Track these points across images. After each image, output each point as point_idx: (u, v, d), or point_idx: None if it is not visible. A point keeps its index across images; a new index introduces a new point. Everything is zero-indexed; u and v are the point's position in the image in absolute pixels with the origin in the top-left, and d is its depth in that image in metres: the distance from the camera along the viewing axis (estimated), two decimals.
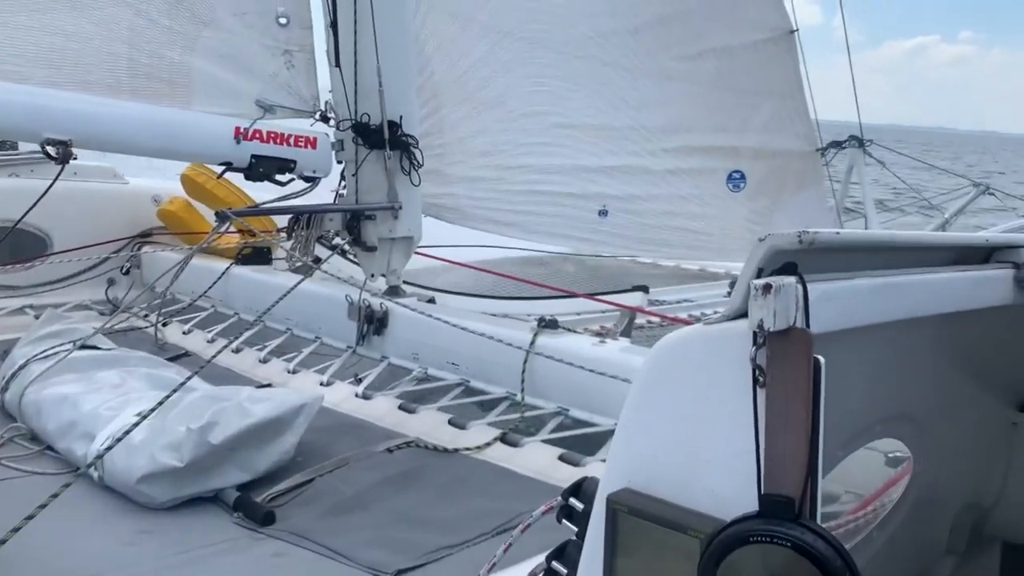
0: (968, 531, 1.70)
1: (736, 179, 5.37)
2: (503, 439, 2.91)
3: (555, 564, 1.13)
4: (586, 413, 3.01)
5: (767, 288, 0.83)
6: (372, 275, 3.92)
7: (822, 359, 0.85)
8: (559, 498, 1.13)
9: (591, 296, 4.26)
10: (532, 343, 3.18)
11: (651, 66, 5.35)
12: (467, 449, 2.87)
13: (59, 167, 3.23)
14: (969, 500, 1.69)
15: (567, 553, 1.12)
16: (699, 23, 5.48)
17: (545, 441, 2.89)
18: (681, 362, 0.95)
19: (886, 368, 1.28)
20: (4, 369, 3.40)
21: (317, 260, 4.27)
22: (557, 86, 5.13)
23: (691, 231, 5.35)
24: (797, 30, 5.81)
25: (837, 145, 6.03)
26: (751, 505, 0.87)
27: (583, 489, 1.11)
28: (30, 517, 1.84)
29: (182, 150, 3.57)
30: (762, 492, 0.85)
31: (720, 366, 0.91)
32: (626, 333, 3.59)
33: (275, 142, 3.55)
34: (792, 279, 0.84)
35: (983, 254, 1.27)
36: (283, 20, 3.69)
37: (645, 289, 4.41)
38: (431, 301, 3.96)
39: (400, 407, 3.27)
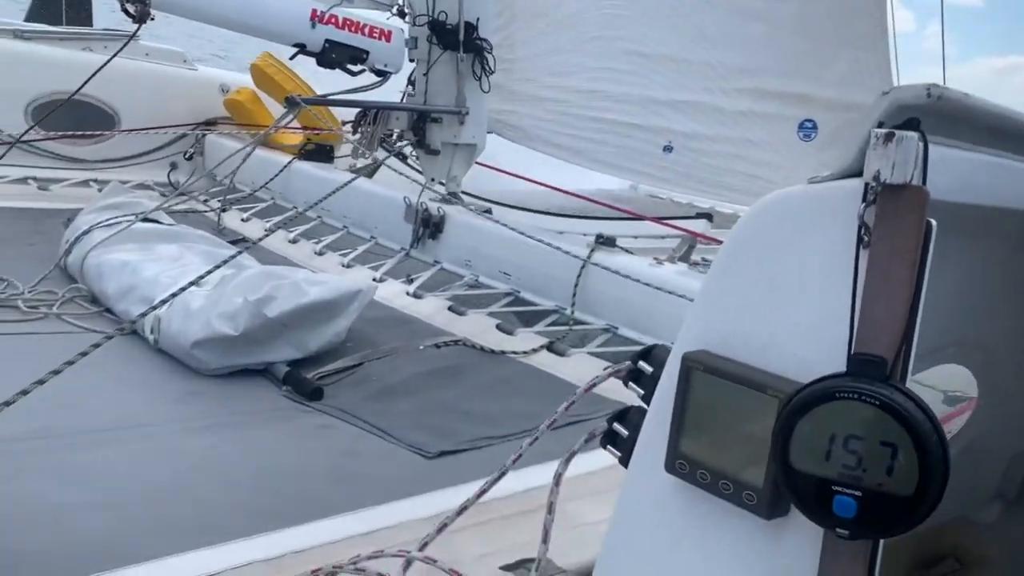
0: (1021, 478, 1.66)
1: (807, 128, 5.21)
2: (550, 348, 2.92)
3: (616, 425, 1.12)
4: (635, 332, 2.99)
5: (889, 137, 0.78)
6: (432, 179, 3.91)
7: (934, 222, 0.81)
8: (627, 362, 1.11)
9: (657, 219, 4.20)
10: (588, 258, 3.15)
11: (733, 2, 5.17)
12: (513, 352, 2.88)
13: (136, 28, 3.22)
14: None
15: (629, 417, 1.11)
16: None
17: (591, 354, 2.88)
18: (779, 221, 0.92)
19: (969, 287, 1.24)
20: (68, 234, 3.47)
21: (379, 164, 4.28)
22: (634, 12, 4.99)
23: (755, 177, 5.21)
24: None
25: None
26: (835, 372, 0.85)
27: (653, 354, 1.09)
28: (70, 363, 1.88)
29: (257, 25, 3.56)
30: (853, 352, 0.83)
31: (822, 226, 0.87)
32: (684, 258, 3.54)
33: (350, 30, 3.52)
34: (915, 134, 0.80)
35: None
36: None
37: (710, 217, 4.34)
38: (488, 212, 3.94)
39: (450, 308, 3.29)
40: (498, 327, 3.12)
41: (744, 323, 0.95)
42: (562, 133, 4.89)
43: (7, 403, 1.69)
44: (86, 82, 3.65)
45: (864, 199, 0.82)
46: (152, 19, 3.24)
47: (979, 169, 0.93)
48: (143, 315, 2.42)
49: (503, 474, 1.22)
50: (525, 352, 2.90)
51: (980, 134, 0.94)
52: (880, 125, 0.84)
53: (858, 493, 0.80)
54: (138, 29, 3.32)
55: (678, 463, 0.96)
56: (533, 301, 3.36)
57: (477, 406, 2.47)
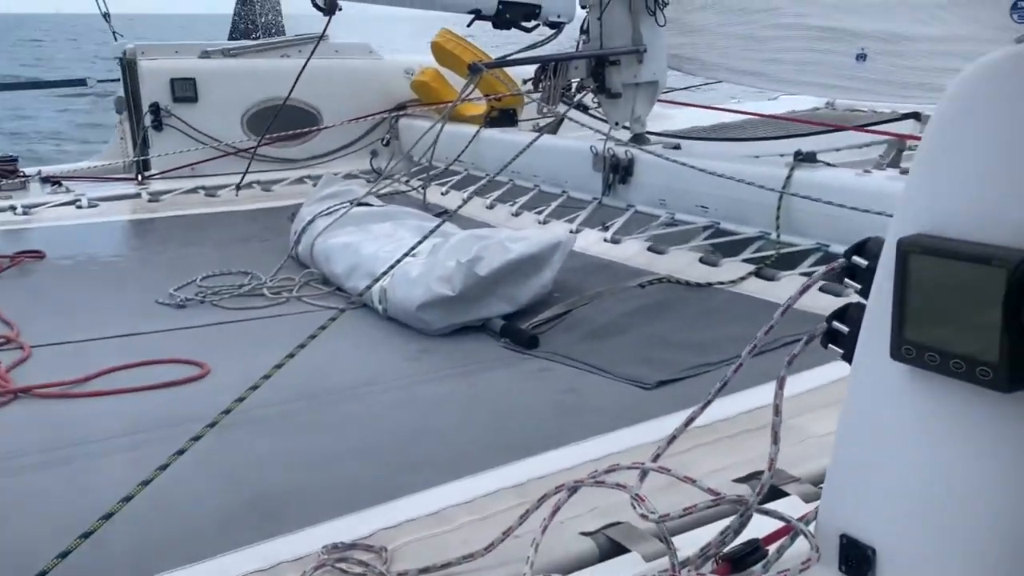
0: None
1: (1022, 8, 4.68)
2: (758, 274, 2.87)
3: (835, 324, 1.12)
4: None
5: None
6: (617, 123, 3.92)
7: None
8: (841, 259, 1.11)
9: (858, 128, 3.96)
10: (788, 179, 3.05)
11: None
12: (720, 283, 2.86)
13: (327, 21, 3.45)
14: None
15: (849, 313, 1.11)
16: None
17: (803, 274, 2.81)
18: (987, 90, 0.88)
19: None
20: (295, 226, 3.83)
21: (560, 121, 4.34)
22: None
23: None
24: None
25: None
26: None
27: (867, 248, 1.08)
28: (322, 327, 2.11)
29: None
30: None
31: None
32: (895, 163, 3.33)
33: None
34: None
35: None
36: None
37: (918, 116, 4.02)
38: (676, 147, 3.90)
39: (649, 248, 3.31)
40: (701, 260, 3.11)
41: (959, 198, 0.92)
42: (744, 58, 4.70)
43: (266, 376, 1.95)
44: (292, 88, 3.98)
45: None
46: (340, 10, 3.45)
47: None
48: (367, 288, 2.65)
49: (709, 402, 1.26)
50: (732, 281, 2.88)
51: None
52: None
53: None
54: (328, 23, 3.56)
55: (904, 348, 0.95)
56: (735, 231, 3.30)
57: (690, 337, 2.50)
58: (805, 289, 1.14)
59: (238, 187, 4.93)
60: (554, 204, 4.08)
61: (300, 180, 5.29)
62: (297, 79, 4.02)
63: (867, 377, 1.04)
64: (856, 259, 1.08)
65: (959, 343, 0.90)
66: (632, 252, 3.35)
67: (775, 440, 1.14)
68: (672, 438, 1.28)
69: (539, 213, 4.03)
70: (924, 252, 0.92)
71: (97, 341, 2.70)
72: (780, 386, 1.15)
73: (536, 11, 3.62)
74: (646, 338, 2.53)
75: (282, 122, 5.21)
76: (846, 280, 1.09)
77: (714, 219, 3.40)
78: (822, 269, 1.12)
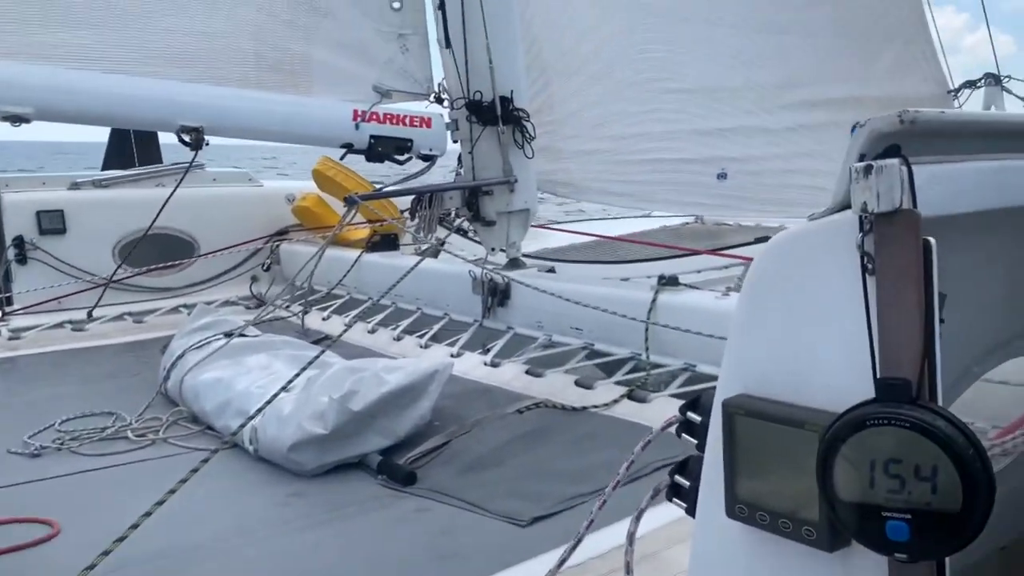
0: None
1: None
2: (630, 396, 2.93)
3: (677, 478, 1.14)
4: (714, 367, 2.98)
5: (868, 169, 0.82)
6: (493, 249, 4.02)
7: (932, 240, 0.83)
8: (677, 414, 1.15)
9: (713, 251, 4.20)
10: (653, 302, 3.17)
11: (760, 20, 5.18)
12: (595, 407, 2.91)
13: (193, 155, 3.46)
14: None
15: (689, 467, 1.14)
16: None
17: (673, 395, 2.89)
18: (789, 261, 0.95)
19: (1020, 279, 1.23)
20: (164, 360, 3.69)
21: (441, 243, 4.41)
22: (665, 51, 5.06)
23: (817, 188, 5.15)
24: None
25: (971, 85, 5.59)
26: (869, 396, 0.87)
27: (700, 402, 1.12)
28: (183, 481, 2.02)
29: (305, 134, 3.78)
30: (878, 378, 0.85)
31: (829, 259, 0.90)
32: None
33: (391, 123, 3.70)
34: (895, 160, 0.83)
35: None
36: (396, 4, 3.83)
37: (767, 240, 4.28)
38: (551, 271, 4.01)
39: (527, 372, 3.34)
40: (577, 383, 3.16)
41: (775, 361, 0.98)
42: (614, 180, 4.96)
43: (120, 539, 1.82)
44: (156, 218, 3.94)
45: (861, 229, 0.85)
46: (207, 144, 3.46)
47: (977, 176, 0.95)
48: (240, 428, 2.56)
49: (579, 541, 1.26)
50: (606, 404, 2.93)
51: (968, 144, 0.96)
52: (862, 157, 0.87)
53: (908, 516, 0.81)
54: (195, 156, 3.56)
55: (737, 507, 0.98)
56: (608, 351, 3.39)
57: (565, 465, 2.50)
58: (646, 444, 1.17)
59: (89, 313, 4.74)
60: (436, 327, 4.10)
61: (175, 310, 5.14)
62: (162, 207, 3.97)
63: (708, 533, 1.06)
64: (690, 415, 1.12)
65: (785, 503, 0.93)
66: (511, 375, 3.38)
67: None
68: None
69: (421, 336, 4.03)
70: (747, 414, 0.97)
71: None
72: (630, 543, 1.16)
73: (408, 144, 3.74)
74: (523, 468, 2.53)
75: (158, 251, 5.10)
76: (684, 435, 1.13)
77: (588, 340, 3.48)
78: (659, 427, 1.15)
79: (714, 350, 2.97)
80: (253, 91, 3.62)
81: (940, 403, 0.84)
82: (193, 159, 3.68)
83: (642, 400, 2.91)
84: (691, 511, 1.11)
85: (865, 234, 0.85)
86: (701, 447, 1.09)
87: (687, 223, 6.62)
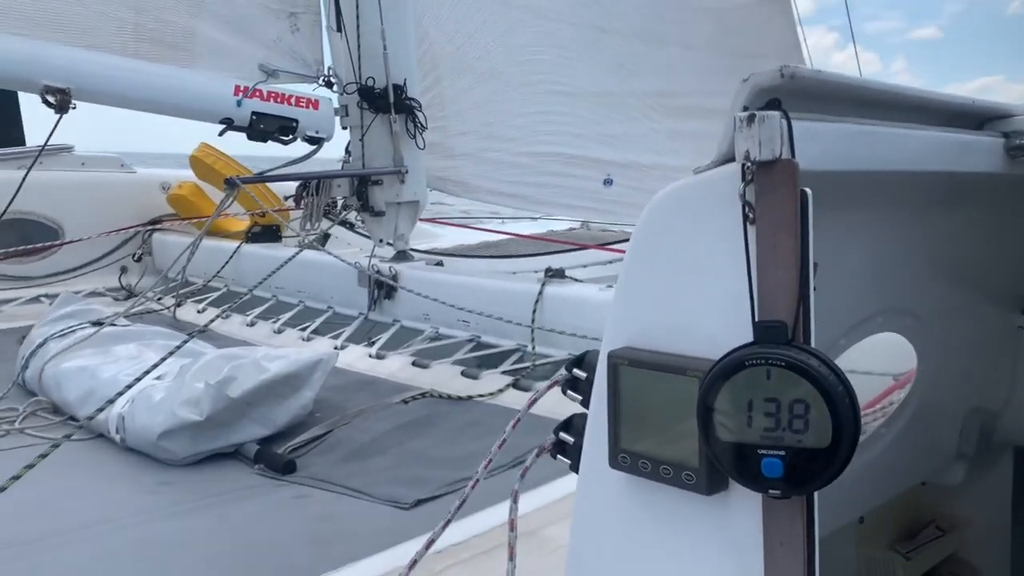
0: (977, 436, 1.71)
1: None
2: (515, 385, 2.95)
3: (562, 435, 1.15)
4: None
5: (751, 119, 0.85)
6: (381, 240, 3.96)
7: (809, 191, 0.87)
8: (563, 371, 1.16)
9: (601, 246, 4.28)
10: (540, 294, 3.20)
11: (646, 30, 5.34)
12: (480, 396, 2.90)
13: (58, 118, 3.23)
14: (976, 404, 1.71)
15: (573, 424, 1.15)
16: None
17: (563, 369, 2.91)
18: (674, 214, 0.98)
19: (885, 257, 1.30)
20: (23, 350, 3.45)
21: (326, 236, 4.31)
22: (553, 55, 5.14)
23: None
24: None
25: None
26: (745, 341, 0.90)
27: (586, 360, 1.13)
28: (30, 466, 1.89)
29: (181, 105, 3.59)
30: (756, 321, 0.88)
31: (712, 210, 0.93)
32: None
33: (276, 101, 3.58)
34: (776, 112, 0.86)
35: (975, 122, 1.28)
36: None
37: None
38: (439, 264, 3.99)
39: (413, 363, 3.31)
40: (462, 374, 3.15)
41: (658, 313, 1.00)
42: (503, 180, 4.99)
43: None
44: (11, 200, 3.67)
45: (743, 179, 0.88)
46: (74, 107, 3.23)
47: (849, 137, 0.99)
48: (96, 413, 2.42)
49: (449, 521, 1.25)
50: (491, 393, 2.93)
51: (844, 106, 1.01)
52: (745, 110, 0.90)
53: (781, 452, 0.84)
54: (59, 120, 3.31)
55: (620, 457, 0.99)
56: (494, 344, 3.40)
57: (449, 451, 2.48)
58: (532, 403, 1.17)
59: None
60: (319, 320, 4.00)
61: (36, 299, 4.81)
62: (19, 188, 3.71)
63: (591, 486, 1.07)
64: (576, 372, 1.13)
65: (666, 450, 0.95)
66: (396, 367, 3.34)
67: (511, 556, 1.14)
68: (413, 563, 1.24)
69: (303, 330, 3.93)
70: (631, 364, 0.98)
71: None
72: (514, 500, 1.16)
73: (293, 125, 3.62)
74: (407, 456, 2.49)
75: (18, 237, 4.76)
76: (569, 392, 1.14)
77: (475, 332, 3.48)
78: (546, 384, 1.16)
79: (597, 341, 3.03)
80: (130, 60, 3.42)
81: (813, 345, 0.88)
82: (54, 128, 3.43)
83: (527, 389, 2.93)
84: (575, 467, 1.12)
85: (747, 184, 0.88)
86: (586, 403, 1.10)
87: (572, 228, 6.73)
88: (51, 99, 3.15)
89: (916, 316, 1.44)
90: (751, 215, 0.89)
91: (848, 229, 1.19)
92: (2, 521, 1.79)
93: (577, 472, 1.11)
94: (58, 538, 2.01)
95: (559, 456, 1.15)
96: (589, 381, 1.10)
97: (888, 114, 1.09)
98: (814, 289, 0.93)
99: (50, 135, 3.62)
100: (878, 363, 1.56)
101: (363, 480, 2.31)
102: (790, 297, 0.87)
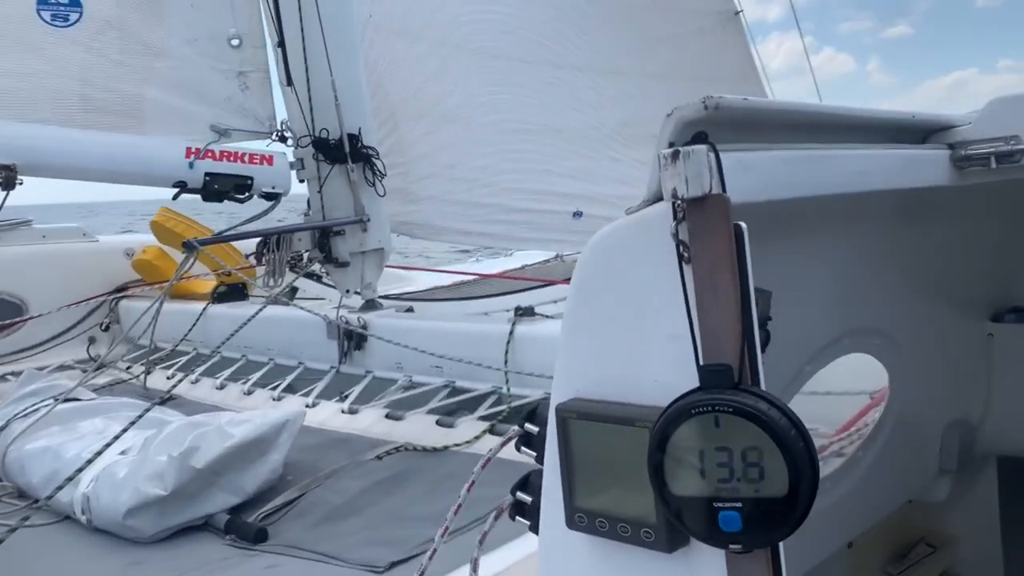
0: (958, 449, 1.67)
1: None
2: (491, 431, 2.89)
3: (519, 494, 1.10)
4: None
5: (675, 155, 0.81)
6: (348, 291, 3.91)
7: (743, 224, 0.83)
8: (515, 427, 1.11)
9: (567, 280, 4.24)
10: (511, 334, 3.16)
11: (602, 64, 5.38)
12: (456, 445, 2.84)
13: (4, 194, 3.17)
14: (954, 417, 1.67)
15: (530, 482, 1.10)
16: (645, 16, 5.52)
17: (515, 425, 2.86)
18: (609, 257, 0.94)
19: (846, 278, 1.27)
20: None
21: (293, 290, 4.25)
22: (513, 93, 5.15)
23: None
24: (742, 11, 5.88)
25: None
26: (695, 386, 0.86)
27: (537, 413, 1.08)
28: None
29: (132, 172, 3.55)
30: (700, 365, 0.83)
31: (647, 251, 0.89)
32: None
33: (229, 159, 3.55)
34: (703, 146, 0.83)
35: (919, 136, 1.26)
36: (235, 41, 3.70)
37: None
38: (409, 310, 3.94)
39: (387, 416, 3.25)
40: (438, 423, 3.09)
41: (604, 361, 0.95)
42: (471, 220, 4.96)
43: None
44: None
45: (674, 218, 0.84)
46: (21, 183, 3.17)
47: (786, 164, 0.96)
48: (56, 491, 2.34)
49: (423, 573, 1.19)
50: (467, 441, 2.87)
51: (779, 132, 0.98)
52: (671, 145, 0.87)
53: (738, 504, 0.80)
54: (6, 197, 3.25)
55: (577, 516, 0.94)
56: (469, 388, 3.34)
57: (425, 508, 2.42)
58: (485, 463, 1.12)
59: None
60: (289, 377, 3.92)
61: (2, 378, 4.70)
62: None
63: (552, 548, 1.02)
64: (528, 426, 1.08)
65: (621, 506, 0.90)
66: (370, 421, 3.27)
67: None
68: None
69: (274, 389, 3.85)
70: (579, 416, 0.94)
71: None
72: (474, 568, 1.10)
73: (248, 183, 3.58)
74: (382, 515, 2.42)
75: None
76: (523, 448, 1.09)
77: (449, 378, 3.42)
78: (499, 443, 1.11)
79: None
80: (78, 130, 3.37)
81: (762, 387, 0.83)
82: (4, 199, 3.36)
83: (503, 434, 2.85)
84: (534, 528, 1.07)
85: (679, 222, 0.84)
86: (540, 458, 1.05)
87: (547, 261, 6.71)
88: None
89: (884, 334, 1.41)
90: (686, 254, 0.85)
91: (804, 254, 1.16)
92: None
93: (537, 533, 1.06)
94: None
95: (519, 517, 1.10)
96: (542, 436, 1.05)
97: (827, 136, 1.06)
98: (769, 320, 0.89)
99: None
100: (849, 383, 1.52)
101: (336, 544, 2.24)
102: (733, 337, 0.83)
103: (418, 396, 3.43)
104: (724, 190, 0.83)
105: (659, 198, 0.88)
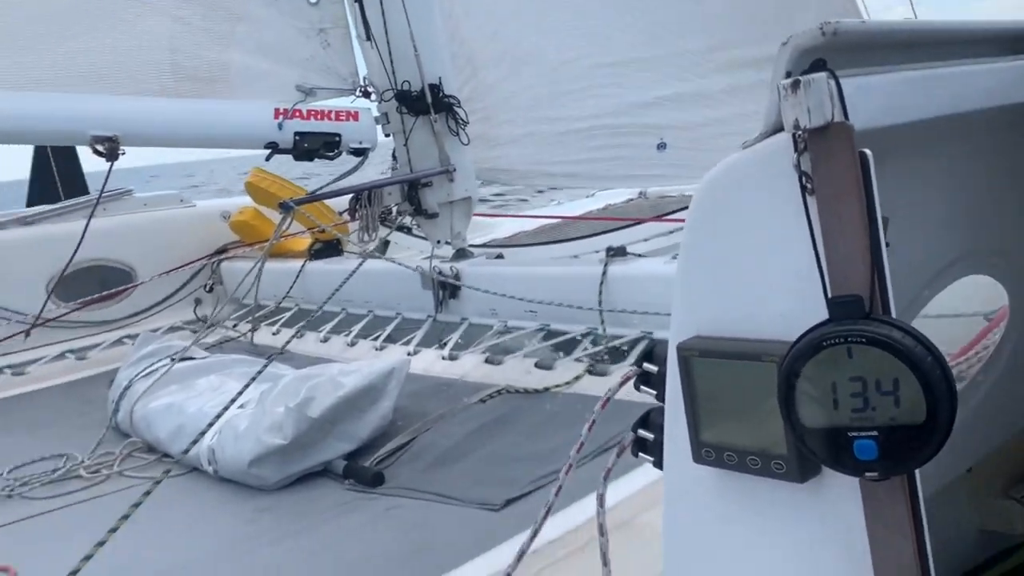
0: None
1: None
2: (591, 371, 2.92)
3: (641, 432, 1.12)
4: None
5: (795, 85, 0.80)
6: (438, 242, 3.97)
7: (868, 152, 0.81)
8: (632, 367, 1.12)
9: (658, 218, 4.19)
10: (604, 274, 3.16)
11: None
12: (556, 387, 2.88)
13: (109, 165, 3.31)
14: None
15: (650, 419, 1.11)
16: None
17: (633, 364, 2.87)
18: (728, 192, 0.93)
19: (964, 198, 1.22)
20: (112, 393, 3.57)
21: (386, 244, 4.33)
22: (591, 26, 5.03)
23: None
24: None
25: None
26: (823, 319, 0.85)
27: (655, 352, 1.09)
28: (136, 505, 1.94)
29: (225, 136, 3.65)
30: (829, 297, 0.83)
31: (767, 184, 0.88)
32: None
33: (316, 118, 3.60)
34: (822, 74, 0.81)
35: None
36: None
37: None
38: (499, 257, 3.97)
39: (486, 361, 3.31)
40: (536, 365, 3.13)
41: (724, 298, 0.95)
42: (554, 162, 4.93)
43: (87, 557, 1.74)
44: (77, 249, 3.79)
45: (796, 149, 0.83)
46: (123, 153, 3.30)
47: (906, 86, 0.93)
48: (191, 446, 2.47)
49: (548, 510, 1.23)
50: (567, 383, 2.90)
51: (896, 53, 0.94)
52: (788, 75, 0.85)
53: (874, 433, 0.80)
54: (111, 168, 3.39)
55: (703, 451, 0.96)
56: (564, 330, 3.36)
57: (532, 448, 2.47)
58: (605, 402, 1.14)
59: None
60: (389, 328, 4.03)
61: (119, 342, 4.97)
62: (83, 235, 3.83)
63: (677, 482, 1.04)
64: (646, 365, 1.09)
65: (750, 439, 0.91)
66: (470, 367, 3.34)
67: (604, 562, 1.12)
68: (520, 555, 1.23)
69: (375, 339, 3.96)
70: (702, 355, 0.94)
71: None
72: (600, 504, 1.13)
73: (336, 139, 3.64)
74: (491, 456, 2.49)
75: (95, 284, 4.92)
76: (642, 387, 1.10)
77: (544, 321, 3.45)
78: (617, 383, 1.13)
79: (669, 315, 2.96)
80: (170, 100, 3.48)
81: (893, 316, 0.82)
82: (107, 176, 3.51)
83: (602, 374, 2.89)
84: (658, 463, 1.09)
85: (800, 153, 0.83)
86: (660, 397, 1.07)
87: (631, 199, 6.63)
88: (100, 148, 3.23)
89: (1003, 253, 1.36)
90: (809, 185, 0.84)
91: (921, 178, 1.12)
92: (117, 561, 1.85)
93: (661, 468, 1.08)
94: (177, 572, 2.08)
95: (641, 454, 1.12)
96: (661, 375, 1.06)
97: (946, 52, 1.01)
98: (887, 247, 0.87)
99: (105, 183, 3.71)
100: (966, 305, 1.48)
101: (451, 485, 2.32)
102: (862, 267, 0.82)
103: (514, 340, 3.48)
104: (846, 117, 0.82)
105: (777, 130, 0.87)
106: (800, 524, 0.91)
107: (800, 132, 0.81)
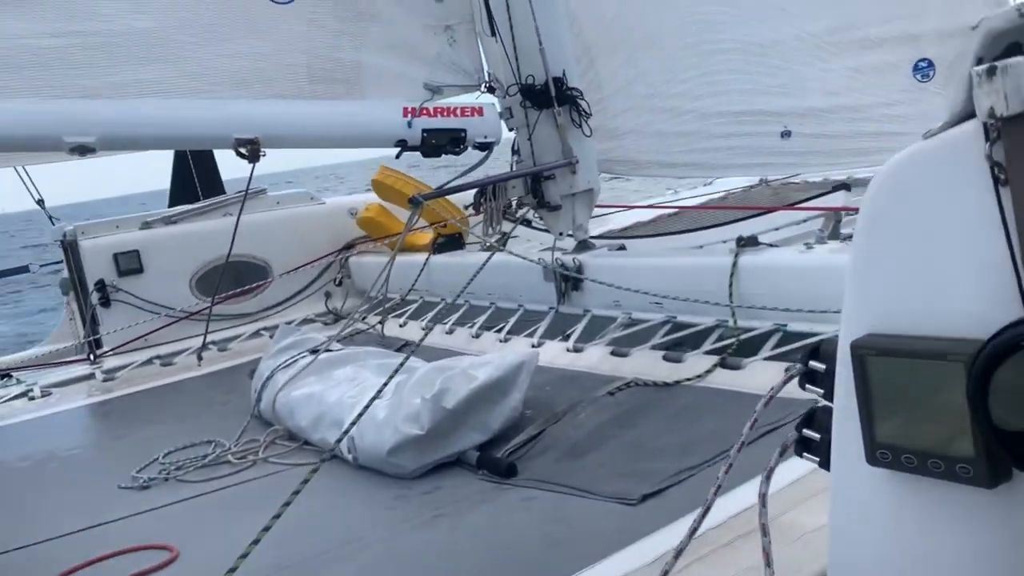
0: None
1: (923, 68, 4.91)
2: (723, 364, 2.86)
3: (806, 431, 1.09)
4: (805, 324, 2.88)
5: (991, 71, 0.76)
6: (561, 234, 3.98)
7: None
8: (797, 365, 1.10)
9: (789, 206, 4.07)
10: (735, 265, 3.09)
11: None
12: (687, 380, 2.85)
13: (251, 166, 3.47)
14: None
15: (816, 419, 1.09)
16: None
17: (767, 359, 2.80)
18: (909, 183, 0.90)
19: None
20: (254, 383, 3.76)
21: (507, 236, 4.38)
22: (708, 11, 4.92)
23: (884, 134, 4.94)
24: None
25: None
26: (1013, 318, 0.81)
27: (822, 350, 1.07)
28: (296, 492, 2.04)
29: (357, 136, 3.76)
30: None
31: (953, 175, 0.84)
32: (834, 235, 3.40)
33: (443, 115, 3.67)
34: (1021, 58, 0.77)
35: None
36: None
37: (847, 187, 4.14)
38: (621, 248, 3.95)
39: (612, 353, 3.30)
40: (665, 358, 3.10)
41: (902, 294, 0.92)
42: (673, 151, 4.84)
43: (244, 556, 1.85)
44: (231, 245, 4.00)
45: (987, 138, 0.79)
46: (264, 155, 3.45)
47: None
48: (339, 440, 2.58)
49: (709, 508, 1.22)
50: (699, 376, 2.86)
51: None
52: (980, 61, 0.81)
53: None
54: (254, 168, 3.55)
55: (879, 453, 0.93)
56: (692, 323, 3.31)
57: (666, 441, 2.45)
58: (770, 399, 1.12)
59: (200, 355, 4.82)
60: (512, 320, 4.08)
61: (256, 334, 5.24)
62: (234, 236, 4.05)
63: (848, 484, 1.01)
64: (813, 364, 1.07)
65: (932, 441, 0.88)
66: (596, 359, 3.34)
67: (768, 562, 1.10)
68: (678, 553, 1.23)
69: (499, 331, 4.02)
70: (879, 353, 0.91)
71: (55, 541, 2.57)
72: (763, 503, 1.11)
73: (462, 135, 3.70)
74: (624, 448, 2.49)
75: (233, 279, 5.21)
76: (808, 386, 1.08)
77: (670, 314, 3.41)
78: (783, 378, 1.11)
79: (804, 306, 2.88)
80: (305, 102, 3.63)
81: None
82: (250, 177, 3.70)
83: (736, 367, 2.83)
84: (824, 464, 1.06)
85: (992, 143, 0.79)
86: (828, 396, 1.04)
87: (752, 187, 6.46)
88: (243, 151, 3.39)
89: None
90: (1002, 176, 0.80)
91: None
92: (272, 543, 1.96)
93: (827, 469, 1.05)
94: (323, 557, 2.18)
95: (805, 455, 1.10)
96: (829, 373, 1.03)
97: None
98: None
99: (248, 183, 3.90)
100: None
101: (586, 478, 2.33)
102: None
103: (639, 332, 3.45)
104: None
105: (964, 118, 0.83)
106: (987, 532, 0.88)
107: (994, 121, 0.78)
